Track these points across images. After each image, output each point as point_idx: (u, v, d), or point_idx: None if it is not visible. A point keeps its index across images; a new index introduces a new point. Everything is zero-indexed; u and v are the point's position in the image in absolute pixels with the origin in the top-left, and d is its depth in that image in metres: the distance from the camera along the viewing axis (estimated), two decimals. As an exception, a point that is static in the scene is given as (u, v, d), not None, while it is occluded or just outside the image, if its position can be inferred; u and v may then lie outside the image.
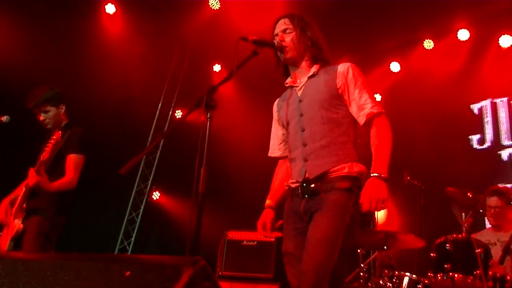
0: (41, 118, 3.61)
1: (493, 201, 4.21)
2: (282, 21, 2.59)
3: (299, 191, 2.41)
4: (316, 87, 2.47)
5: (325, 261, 2.17)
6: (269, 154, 2.74)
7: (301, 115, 2.47)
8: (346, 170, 2.33)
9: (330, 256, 2.18)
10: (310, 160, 2.38)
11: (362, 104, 2.39)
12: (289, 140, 2.57)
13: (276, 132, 2.72)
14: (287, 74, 2.66)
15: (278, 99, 2.73)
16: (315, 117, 2.42)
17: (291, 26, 2.55)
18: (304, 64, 2.57)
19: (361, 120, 2.40)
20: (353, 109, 2.42)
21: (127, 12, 7.02)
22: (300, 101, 2.51)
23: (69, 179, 3.46)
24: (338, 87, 2.43)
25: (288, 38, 2.52)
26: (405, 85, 7.60)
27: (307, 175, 2.38)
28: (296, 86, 2.57)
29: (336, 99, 2.43)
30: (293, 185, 2.47)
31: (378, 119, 2.39)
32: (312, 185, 2.35)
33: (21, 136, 4.92)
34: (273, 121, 2.74)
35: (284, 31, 2.55)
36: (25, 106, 3.60)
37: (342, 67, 2.48)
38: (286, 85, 2.65)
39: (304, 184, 2.38)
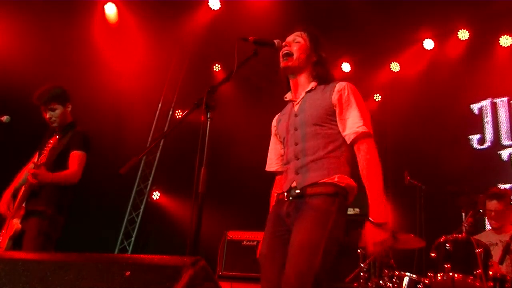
0: (47, 116, 3.61)
1: (492, 204, 4.21)
2: (299, 33, 2.60)
3: (285, 194, 2.41)
4: (312, 103, 2.48)
5: (307, 266, 2.13)
6: (266, 169, 2.74)
7: (296, 129, 2.48)
8: (336, 179, 2.32)
9: (312, 261, 2.14)
10: (301, 174, 2.38)
11: (351, 123, 2.38)
12: (284, 153, 2.58)
13: (274, 147, 2.72)
14: (288, 89, 2.66)
15: (278, 114, 2.73)
16: (309, 132, 2.42)
17: (304, 37, 2.57)
18: (303, 78, 2.57)
19: (348, 138, 2.38)
20: (341, 127, 2.41)
21: (127, 12, 7.02)
22: (296, 115, 2.52)
23: (73, 170, 3.46)
24: (333, 103, 2.43)
25: (295, 47, 2.54)
26: (405, 85, 7.60)
27: (294, 184, 2.38)
28: (294, 101, 2.58)
29: (331, 116, 2.43)
30: (280, 192, 2.48)
31: (364, 140, 2.35)
32: (298, 191, 2.35)
33: (21, 136, 4.92)
34: (272, 136, 2.75)
35: (294, 39, 2.57)
36: (32, 103, 3.60)
37: (339, 86, 2.46)
38: (286, 100, 2.66)
39: (290, 188, 2.39)
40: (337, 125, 2.42)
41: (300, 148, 2.43)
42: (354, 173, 2.40)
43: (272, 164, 2.71)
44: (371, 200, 2.26)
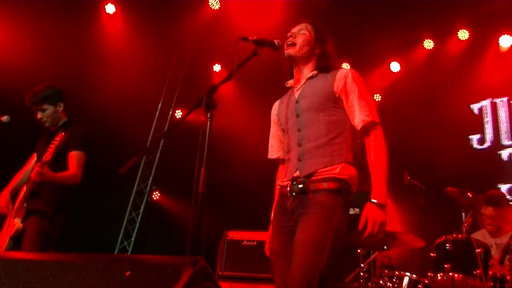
0: (39, 116, 3.63)
1: (488, 211, 4.18)
2: (304, 24, 2.61)
3: (288, 189, 2.41)
4: (313, 89, 2.49)
5: (313, 265, 2.14)
6: (268, 156, 2.73)
7: (298, 115, 2.49)
8: (337, 170, 2.32)
9: (318, 259, 2.15)
10: (304, 160, 2.38)
11: (359, 111, 2.39)
12: (286, 140, 2.57)
13: (275, 134, 2.71)
14: (292, 76, 2.67)
15: (278, 100, 2.73)
16: (311, 119, 2.43)
17: (309, 30, 2.57)
18: (307, 69, 2.57)
19: (357, 126, 2.40)
20: (350, 115, 2.42)
21: (127, 12, 7.02)
22: (297, 102, 2.52)
23: (74, 172, 3.46)
24: (335, 90, 2.43)
25: (299, 38, 2.55)
26: (405, 85, 7.60)
27: (297, 173, 2.38)
28: (295, 87, 2.59)
29: (333, 102, 2.43)
30: (284, 183, 2.48)
31: (374, 130, 2.38)
32: (300, 185, 2.35)
33: (21, 136, 4.92)
34: (271, 123, 2.74)
35: (299, 31, 2.58)
36: (25, 104, 3.61)
37: (341, 73, 2.47)
38: (287, 86, 2.66)
39: (294, 182, 2.39)
40: (339, 112, 2.43)
41: (303, 134, 2.43)
42: (356, 159, 2.41)
43: (274, 151, 2.70)
44: (376, 182, 2.28)
